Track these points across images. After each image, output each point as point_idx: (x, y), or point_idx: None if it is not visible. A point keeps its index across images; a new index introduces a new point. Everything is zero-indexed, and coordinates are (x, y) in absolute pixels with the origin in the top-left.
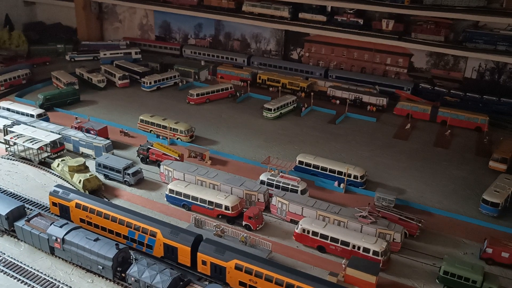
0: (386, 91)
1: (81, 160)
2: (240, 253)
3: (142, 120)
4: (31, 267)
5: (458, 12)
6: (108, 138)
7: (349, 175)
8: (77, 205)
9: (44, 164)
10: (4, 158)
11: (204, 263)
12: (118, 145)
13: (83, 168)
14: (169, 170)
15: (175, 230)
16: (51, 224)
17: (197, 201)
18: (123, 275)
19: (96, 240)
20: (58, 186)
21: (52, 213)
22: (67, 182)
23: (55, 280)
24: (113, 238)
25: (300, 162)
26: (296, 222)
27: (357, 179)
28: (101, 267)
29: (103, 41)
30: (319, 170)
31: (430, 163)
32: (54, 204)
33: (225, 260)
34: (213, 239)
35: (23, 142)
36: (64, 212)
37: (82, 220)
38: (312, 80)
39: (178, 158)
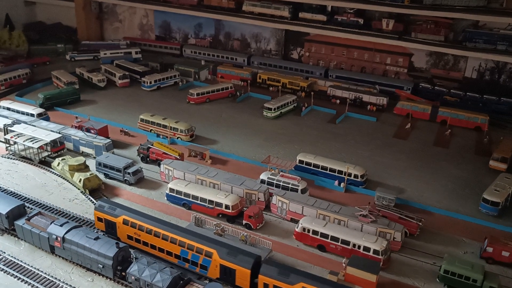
0: (386, 90)
1: (81, 159)
2: (306, 275)
3: (142, 120)
4: (31, 266)
5: (458, 12)
6: (108, 137)
7: (349, 174)
8: (125, 222)
9: (44, 163)
10: (4, 157)
11: (266, 286)
12: (118, 144)
13: (83, 167)
14: (169, 169)
15: (233, 250)
16: (51, 223)
17: (197, 200)
18: (123, 274)
19: (96, 239)
20: (103, 200)
21: (97, 229)
22: (67, 181)
23: (55, 279)
24: (163, 257)
25: (300, 162)
26: (296, 221)
27: (357, 178)
28: (101, 266)
29: (103, 41)
30: (319, 170)
31: (430, 163)
32: (99, 219)
33: (290, 284)
34: (273, 260)
35: (24, 141)
36: (110, 228)
37: (129, 237)
38: (312, 79)
39: (178, 157)
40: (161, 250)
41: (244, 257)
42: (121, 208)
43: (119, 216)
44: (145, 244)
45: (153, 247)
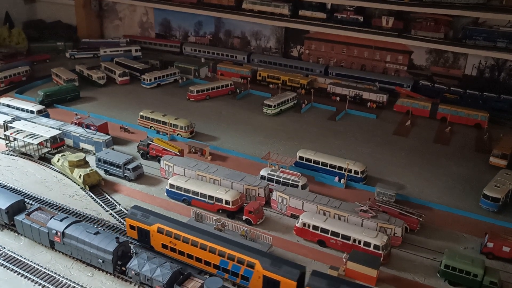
0: (386, 88)
1: (81, 155)
2: (358, 287)
3: (142, 116)
4: (31, 261)
5: (458, 9)
6: (108, 134)
7: (350, 171)
8: (160, 230)
9: (44, 159)
10: (4, 154)
11: None
12: (118, 141)
13: (83, 163)
14: (169, 165)
15: (277, 261)
16: (51, 218)
17: (198, 196)
18: (123, 268)
19: (96, 233)
20: (136, 207)
21: (128, 237)
22: (67, 177)
23: (55, 274)
24: (201, 266)
25: (301, 158)
26: (296, 217)
27: (358, 174)
28: (101, 261)
29: (103, 39)
30: (320, 166)
31: (430, 160)
32: (131, 227)
33: None
34: (321, 271)
35: (23, 138)
36: (144, 237)
37: (164, 246)
38: (312, 77)
39: (178, 153)
40: (198, 260)
41: (289, 268)
42: (155, 216)
43: (153, 224)
44: (181, 253)
45: (189, 256)
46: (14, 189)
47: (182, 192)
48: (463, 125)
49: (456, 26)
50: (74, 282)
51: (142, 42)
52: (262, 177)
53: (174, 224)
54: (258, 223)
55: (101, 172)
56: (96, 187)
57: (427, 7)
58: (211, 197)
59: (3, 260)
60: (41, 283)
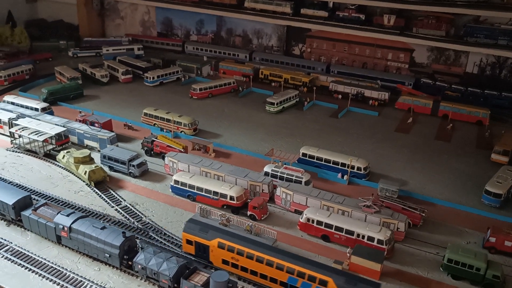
0: (387, 86)
1: (86, 151)
2: None
3: (146, 114)
4: (38, 256)
5: (459, 7)
6: (112, 131)
7: (352, 167)
8: (220, 245)
9: (49, 156)
10: (9, 151)
11: None
12: (122, 138)
13: (88, 160)
14: (173, 162)
15: (351, 278)
16: (57, 213)
17: (202, 192)
18: (130, 263)
19: (103, 228)
20: (192, 221)
21: (184, 252)
22: (72, 173)
23: (62, 268)
24: (266, 283)
25: (304, 154)
26: (300, 213)
27: (360, 170)
28: (108, 255)
29: (105, 38)
30: (323, 162)
31: (432, 156)
32: (188, 242)
33: None
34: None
35: (28, 135)
36: (202, 252)
37: (225, 262)
38: (314, 75)
39: (182, 150)
40: (263, 276)
41: (365, 286)
42: (214, 230)
43: (213, 239)
44: (244, 269)
45: (253, 273)
46: (20, 185)
47: (187, 188)
48: (464, 122)
49: (458, 24)
50: (81, 276)
51: (144, 41)
52: (266, 174)
53: (236, 238)
54: (262, 218)
55: (106, 169)
56: (101, 183)
57: (428, 5)
58: (215, 193)
59: (11, 255)
60: (48, 277)
